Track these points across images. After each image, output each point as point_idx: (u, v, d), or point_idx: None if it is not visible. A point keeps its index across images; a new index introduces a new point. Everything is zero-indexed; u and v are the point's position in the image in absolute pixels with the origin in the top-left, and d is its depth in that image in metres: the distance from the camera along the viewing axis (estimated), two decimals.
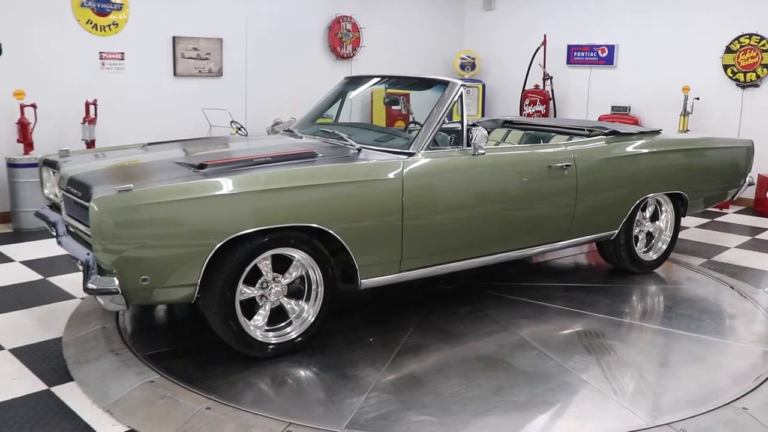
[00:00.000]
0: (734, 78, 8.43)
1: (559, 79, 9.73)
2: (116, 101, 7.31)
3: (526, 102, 9.72)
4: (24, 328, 4.18)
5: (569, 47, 9.72)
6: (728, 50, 8.42)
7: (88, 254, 3.45)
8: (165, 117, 7.69)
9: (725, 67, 8.47)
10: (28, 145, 6.65)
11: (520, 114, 9.73)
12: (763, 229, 7.33)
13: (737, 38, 8.34)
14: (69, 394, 3.39)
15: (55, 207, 4.31)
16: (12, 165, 6.55)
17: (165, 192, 3.33)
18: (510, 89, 10.29)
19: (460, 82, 4.35)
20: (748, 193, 7.66)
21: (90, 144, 6.99)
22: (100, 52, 7.23)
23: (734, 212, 8.19)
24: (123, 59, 7.38)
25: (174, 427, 3.06)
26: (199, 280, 3.42)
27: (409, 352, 3.88)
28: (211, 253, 3.38)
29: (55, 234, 4.01)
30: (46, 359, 3.78)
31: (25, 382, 3.50)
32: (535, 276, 5.47)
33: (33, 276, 5.19)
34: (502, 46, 10.51)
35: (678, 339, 4.22)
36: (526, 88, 9.79)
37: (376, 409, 3.23)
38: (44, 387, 3.46)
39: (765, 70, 8.18)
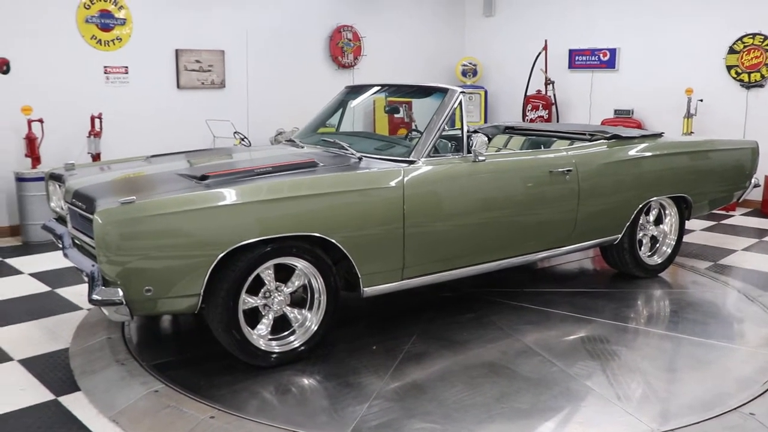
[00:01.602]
0: (738, 78, 8.41)
1: (561, 83, 9.74)
2: (121, 114, 7.37)
3: (529, 107, 9.73)
4: (32, 339, 4.22)
5: (570, 51, 9.73)
6: (731, 51, 8.41)
7: (93, 266, 3.49)
8: (169, 129, 7.74)
9: (729, 67, 8.45)
10: (36, 160, 6.72)
11: (523, 119, 9.74)
12: None
13: (740, 38, 8.33)
14: (76, 403, 3.42)
15: (61, 220, 4.35)
16: (20, 179, 6.62)
17: (167, 203, 3.36)
18: (512, 95, 10.30)
19: (460, 89, 4.37)
20: (755, 194, 7.64)
21: (96, 157, 7.05)
22: (105, 67, 7.30)
23: (741, 214, 8.15)
24: (127, 73, 7.44)
25: None
26: (202, 290, 3.45)
27: (411, 359, 3.89)
28: (214, 264, 3.41)
29: (61, 246, 4.05)
30: (53, 369, 3.81)
31: (33, 392, 3.54)
32: (539, 282, 5.47)
33: (41, 288, 5.23)
34: (503, 52, 10.53)
35: (684, 344, 4.21)
36: (528, 94, 9.80)
37: (378, 417, 3.24)
38: (52, 397, 3.49)
39: None
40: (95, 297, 3.32)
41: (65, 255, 3.94)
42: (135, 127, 7.49)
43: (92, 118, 7.04)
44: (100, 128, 7.09)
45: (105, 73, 7.30)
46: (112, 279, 3.30)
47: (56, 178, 4.30)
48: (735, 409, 3.38)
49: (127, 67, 7.43)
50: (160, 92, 7.73)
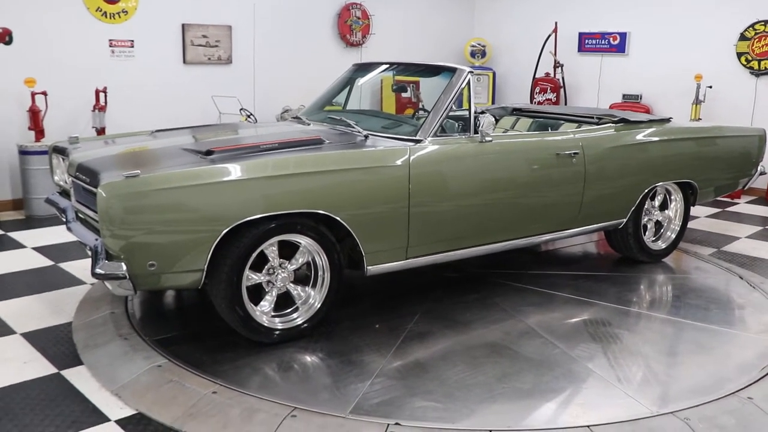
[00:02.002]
0: (748, 66, 8.34)
1: (570, 66, 9.67)
2: (126, 89, 7.34)
3: (537, 90, 9.67)
4: (35, 313, 4.23)
5: (580, 35, 9.65)
6: (742, 38, 8.33)
7: (96, 240, 3.48)
8: (175, 104, 7.71)
9: (739, 54, 8.38)
10: (39, 133, 6.69)
11: (531, 102, 9.69)
12: None
13: (752, 25, 8.25)
14: (78, 377, 3.43)
15: (65, 193, 4.35)
16: (24, 152, 6.60)
17: (172, 178, 3.35)
18: (520, 77, 10.24)
19: (468, 69, 4.33)
20: (760, 182, 7.60)
21: (100, 131, 7.03)
22: (110, 40, 7.24)
23: (746, 202, 8.13)
24: (133, 47, 7.39)
25: (181, 410, 3.09)
26: (206, 266, 3.44)
27: (414, 338, 3.89)
28: (218, 239, 3.41)
29: (65, 220, 4.05)
30: (56, 343, 3.82)
31: (35, 366, 3.55)
32: (543, 264, 5.47)
33: (44, 262, 5.24)
34: (512, 34, 10.45)
35: (685, 328, 4.21)
36: (536, 76, 9.74)
37: (380, 395, 3.25)
38: (54, 370, 3.50)
39: None
40: (98, 271, 3.32)
41: (69, 229, 3.94)
42: (140, 102, 7.46)
43: (97, 92, 7.01)
44: (105, 102, 7.06)
45: (110, 46, 7.25)
46: (116, 253, 3.30)
47: (60, 151, 4.29)
48: (734, 393, 3.39)
49: (132, 40, 7.37)
50: (166, 67, 7.69)
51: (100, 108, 7.02)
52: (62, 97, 6.90)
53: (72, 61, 7.00)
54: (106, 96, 7.07)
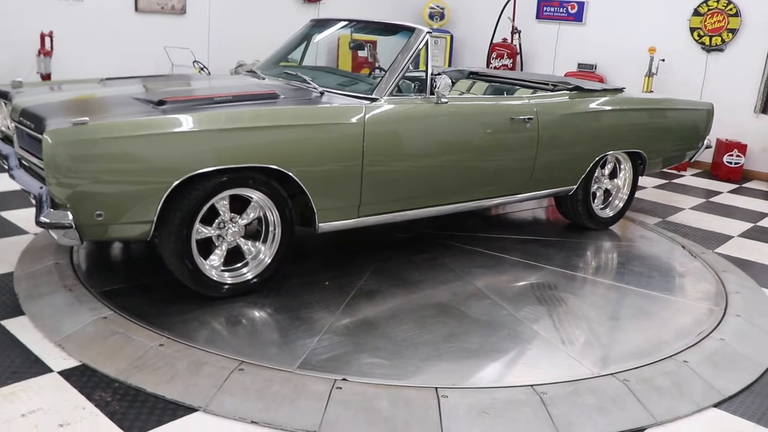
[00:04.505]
0: (700, 41, 8.49)
1: (527, 33, 9.69)
2: (74, 34, 7.08)
3: (494, 55, 9.68)
4: None
5: (539, 2, 9.66)
6: (696, 13, 8.46)
7: (41, 188, 3.38)
8: (125, 54, 7.49)
9: (692, 30, 8.52)
10: None
11: (487, 67, 9.70)
12: (717, 192, 7.49)
13: (705, 1, 8.38)
14: (20, 327, 3.35)
15: (7, 139, 4.20)
16: None
17: (122, 126, 3.27)
18: (478, 41, 10.22)
19: (427, 29, 4.30)
20: (706, 156, 7.80)
21: (45, 77, 6.80)
22: None
23: (691, 175, 8.33)
24: None
25: (126, 362, 3.06)
26: (155, 218, 3.38)
27: (364, 296, 3.91)
28: (169, 191, 3.34)
29: (7, 167, 3.92)
30: None
31: None
32: (493, 228, 5.53)
33: None
34: None
35: (628, 294, 4.33)
36: (494, 41, 9.74)
37: (328, 351, 3.27)
38: None
39: (730, 34, 8.25)
40: (43, 219, 3.23)
41: (11, 176, 3.81)
42: (89, 49, 7.22)
43: (42, 36, 6.75)
44: (51, 47, 6.81)
45: None
46: (62, 202, 3.21)
47: (2, 95, 4.11)
48: (671, 356, 3.51)
49: None
50: (116, 14, 7.44)
51: (45, 53, 6.77)
52: (4, 40, 6.62)
53: (15, 1, 6.70)
54: (52, 41, 6.82)
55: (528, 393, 3.06)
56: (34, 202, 3.40)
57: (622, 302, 4.22)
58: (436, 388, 3.03)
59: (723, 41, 8.31)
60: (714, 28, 8.33)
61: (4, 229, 4.68)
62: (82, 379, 2.96)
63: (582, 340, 3.62)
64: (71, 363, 3.07)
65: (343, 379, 3.03)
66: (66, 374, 2.98)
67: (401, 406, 2.89)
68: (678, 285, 4.59)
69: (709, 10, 8.35)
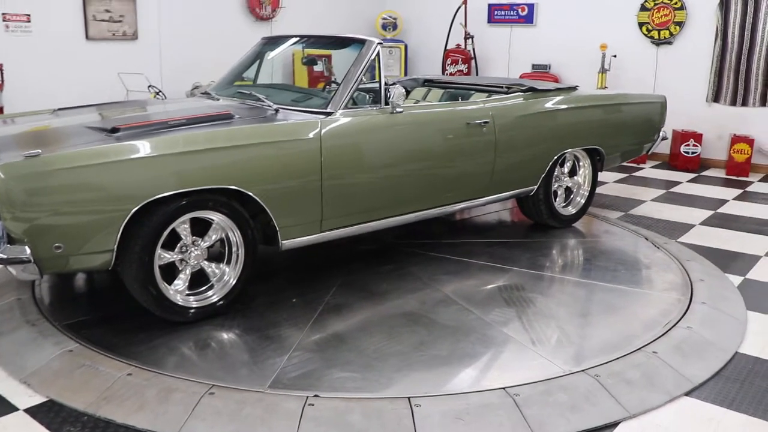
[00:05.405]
0: (649, 36, 8.65)
1: (480, 38, 9.78)
2: (24, 66, 6.98)
3: (448, 61, 9.76)
4: None
5: (490, 6, 9.77)
6: (643, 8, 8.62)
7: None
8: (79, 82, 7.39)
9: (640, 24, 8.68)
10: None
11: (443, 73, 9.77)
12: (677, 183, 7.62)
13: None
14: None
15: None
16: None
17: (76, 157, 3.23)
18: (432, 49, 10.29)
19: (377, 40, 4.32)
20: (664, 148, 7.93)
21: None
22: (3, 14, 6.85)
23: (650, 167, 8.47)
24: (29, 21, 7.01)
25: (94, 394, 3.01)
26: (115, 246, 3.34)
27: (331, 311, 3.90)
28: (127, 218, 3.31)
29: None
30: None
31: None
32: (458, 233, 5.56)
33: None
34: (423, 6, 10.48)
35: (595, 290, 4.37)
36: (447, 48, 9.82)
37: (299, 368, 3.25)
38: None
39: (677, 27, 8.42)
40: (0, 255, 3.18)
41: None
42: (40, 80, 7.11)
43: None
44: (2, 80, 6.72)
45: (4, 20, 6.86)
46: (18, 237, 3.16)
47: None
48: (640, 348, 3.55)
49: (29, 15, 7.00)
50: (67, 43, 7.35)
51: None
52: None
53: None
54: (2, 73, 6.72)
55: (501, 396, 3.07)
56: None
57: (590, 298, 4.27)
58: (409, 398, 3.03)
59: (671, 34, 8.47)
60: (662, 22, 8.50)
61: None
62: (50, 415, 2.91)
63: (552, 339, 3.65)
64: (37, 399, 3.02)
65: (315, 396, 3.02)
66: (32, 411, 2.93)
67: (374, 419, 2.89)
68: (644, 277, 4.65)
69: (655, 4, 8.51)
